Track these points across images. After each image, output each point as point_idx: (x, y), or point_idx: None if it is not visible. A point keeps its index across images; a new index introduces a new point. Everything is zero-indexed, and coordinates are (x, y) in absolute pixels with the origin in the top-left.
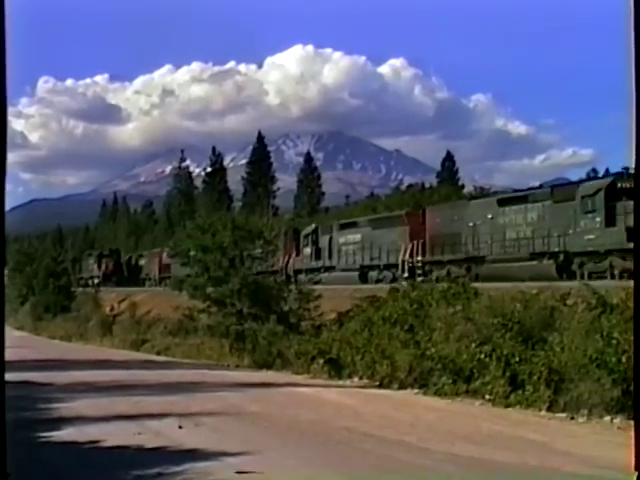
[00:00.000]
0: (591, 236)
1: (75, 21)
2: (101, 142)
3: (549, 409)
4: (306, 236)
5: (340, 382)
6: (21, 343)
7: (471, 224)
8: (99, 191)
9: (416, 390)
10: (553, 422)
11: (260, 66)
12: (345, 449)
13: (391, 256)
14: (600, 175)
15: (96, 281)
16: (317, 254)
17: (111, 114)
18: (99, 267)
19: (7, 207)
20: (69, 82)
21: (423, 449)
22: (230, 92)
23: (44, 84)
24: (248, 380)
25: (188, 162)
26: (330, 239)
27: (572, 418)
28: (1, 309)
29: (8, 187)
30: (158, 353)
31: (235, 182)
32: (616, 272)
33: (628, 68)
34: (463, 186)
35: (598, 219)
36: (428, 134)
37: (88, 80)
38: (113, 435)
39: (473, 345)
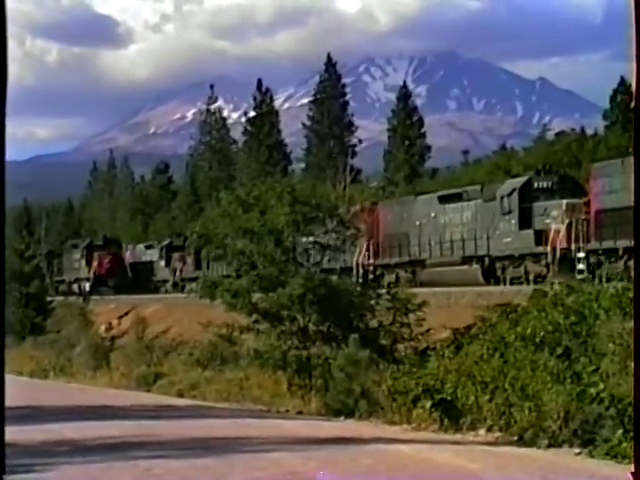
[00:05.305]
0: (508, 239)
1: None
2: (88, 74)
3: None
4: None
5: (458, 436)
6: None
7: (417, 223)
8: (86, 149)
9: (577, 449)
10: None
11: None
12: None
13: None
14: None
15: (85, 286)
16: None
17: (102, 31)
18: (88, 265)
19: None
20: None
21: None
22: None
23: None
24: (316, 434)
25: (221, 103)
26: None
27: None
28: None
29: None
30: (180, 394)
31: (293, 132)
32: (531, 277)
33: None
34: None
35: (513, 221)
36: (590, 53)
37: None
38: None
39: None
